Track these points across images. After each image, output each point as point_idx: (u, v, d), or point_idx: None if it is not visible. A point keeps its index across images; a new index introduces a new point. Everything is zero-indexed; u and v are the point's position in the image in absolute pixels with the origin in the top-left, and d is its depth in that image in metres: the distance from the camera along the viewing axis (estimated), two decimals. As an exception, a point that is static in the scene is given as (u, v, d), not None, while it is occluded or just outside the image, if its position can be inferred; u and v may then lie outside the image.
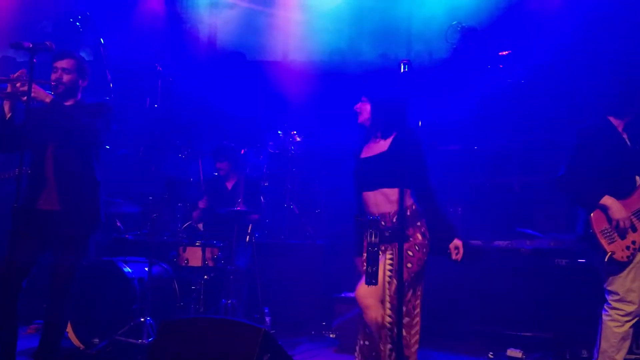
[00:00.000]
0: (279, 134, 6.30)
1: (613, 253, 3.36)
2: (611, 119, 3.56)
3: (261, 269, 5.00)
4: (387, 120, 3.20)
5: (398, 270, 2.75)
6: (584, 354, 4.11)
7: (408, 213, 3.13)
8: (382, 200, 3.15)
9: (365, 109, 3.26)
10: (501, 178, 6.07)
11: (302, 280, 5.51)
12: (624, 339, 3.40)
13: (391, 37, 6.64)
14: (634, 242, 3.38)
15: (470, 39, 6.03)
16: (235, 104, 6.42)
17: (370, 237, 3.09)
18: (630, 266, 3.38)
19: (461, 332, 4.96)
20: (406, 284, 3.04)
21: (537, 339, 4.62)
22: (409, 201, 3.14)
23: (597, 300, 4.05)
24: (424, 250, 3.12)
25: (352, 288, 5.14)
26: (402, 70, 3.00)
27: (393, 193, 3.10)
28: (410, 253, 3.09)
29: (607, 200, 3.38)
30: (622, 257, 3.35)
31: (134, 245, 5.29)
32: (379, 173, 3.15)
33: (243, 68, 6.91)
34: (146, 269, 4.49)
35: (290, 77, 6.69)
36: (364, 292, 3.07)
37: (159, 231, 4.95)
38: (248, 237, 4.94)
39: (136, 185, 5.79)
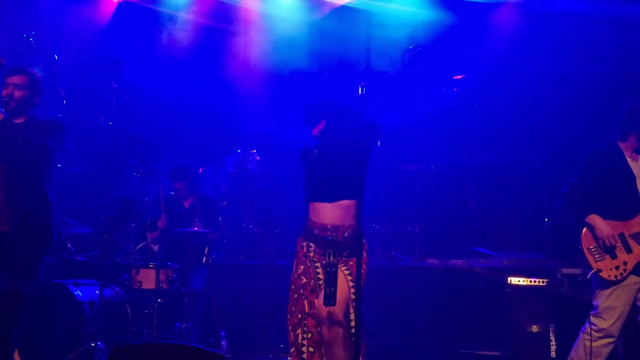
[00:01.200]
0: (238, 152, 6.26)
1: (599, 270, 3.47)
2: (620, 143, 3.66)
3: (218, 291, 4.90)
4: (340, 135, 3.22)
5: (357, 284, 2.76)
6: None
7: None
8: (339, 213, 3.16)
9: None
10: (457, 197, 6.20)
11: (260, 302, 5.43)
12: (593, 355, 3.47)
13: (351, 58, 6.73)
14: (625, 263, 3.45)
15: (426, 62, 6.18)
16: (194, 120, 6.35)
17: (329, 257, 3.10)
18: (615, 286, 3.47)
19: (415, 350, 4.98)
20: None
21: (491, 358, 4.68)
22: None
23: (550, 319, 4.17)
24: (366, 268, 3.22)
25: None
26: (360, 92, 3.07)
27: (351, 205, 3.12)
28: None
29: (591, 218, 3.50)
30: (609, 276, 3.45)
31: (85, 267, 5.11)
32: (339, 184, 3.17)
33: (202, 83, 6.85)
34: (97, 292, 4.34)
35: (250, 94, 6.68)
36: (334, 309, 3.05)
37: (111, 252, 4.80)
38: (205, 258, 4.85)
39: (88, 205, 5.62)
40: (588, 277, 3.53)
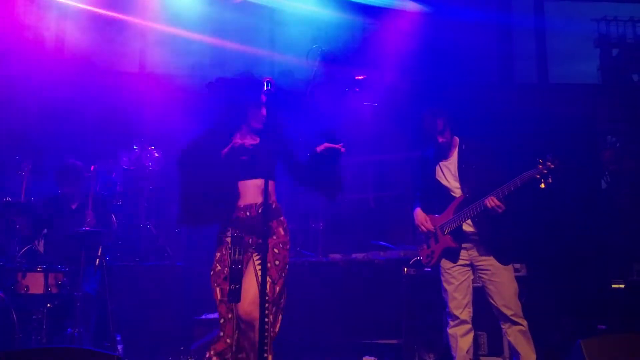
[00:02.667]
0: (135, 148, 5.97)
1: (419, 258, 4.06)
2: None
3: (113, 294, 4.66)
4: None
5: (263, 269, 2.74)
6: (430, 357, 4.40)
7: (273, 207, 3.21)
8: (254, 191, 3.16)
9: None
10: (358, 194, 6.37)
11: (159, 304, 5.24)
12: (452, 337, 3.79)
13: (254, 55, 6.68)
14: (433, 252, 3.89)
15: (329, 63, 6.28)
16: (86, 115, 5.97)
17: (234, 254, 3.05)
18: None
19: (319, 343, 5.06)
20: (276, 282, 3.11)
21: (391, 346, 4.87)
22: (273, 195, 3.22)
23: (444, 307, 4.40)
24: (287, 247, 3.23)
25: (213, 309, 5.05)
26: (265, 88, 3.05)
27: (262, 184, 3.10)
28: (276, 251, 3.18)
29: (415, 212, 4.01)
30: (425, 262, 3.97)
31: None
32: (255, 163, 3.17)
33: (94, 77, 6.46)
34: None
35: (147, 89, 6.40)
36: (253, 307, 3.01)
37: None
38: (98, 260, 4.58)
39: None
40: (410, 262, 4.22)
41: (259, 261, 3.10)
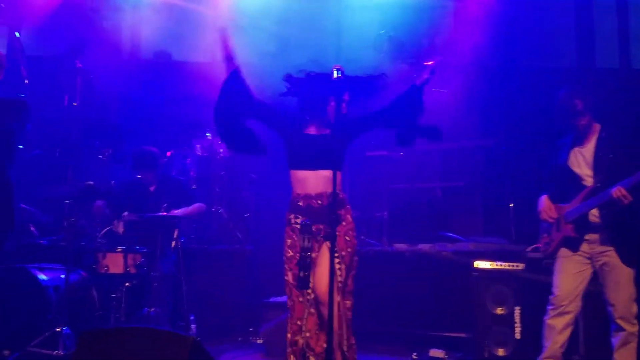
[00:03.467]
0: (207, 136, 6.16)
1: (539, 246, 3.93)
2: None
3: (187, 275, 4.86)
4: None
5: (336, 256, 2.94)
6: (500, 352, 4.30)
7: (340, 196, 3.29)
8: (324, 181, 3.23)
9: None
10: (424, 183, 6.27)
11: (229, 286, 5.42)
12: (550, 328, 3.66)
13: (320, 43, 6.68)
14: (552, 240, 3.75)
15: (397, 48, 6.19)
16: (161, 104, 6.21)
17: (304, 241, 3.10)
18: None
19: (385, 333, 5.06)
20: (350, 267, 3.24)
21: (459, 339, 4.80)
22: (339, 186, 3.28)
23: (514, 302, 4.29)
24: (355, 234, 3.34)
25: (280, 293, 5.16)
26: (335, 76, 3.07)
27: (331, 175, 3.15)
28: (347, 238, 3.27)
29: (540, 199, 3.85)
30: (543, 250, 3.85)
31: (49, 251, 4.98)
32: (325, 152, 3.24)
33: (169, 68, 6.70)
34: (62, 276, 4.24)
35: (218, 79, 6.54)
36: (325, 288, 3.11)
37: (75, 236, 4.69)
38: (174, 242, 4.78)
39: (51, 188, 5.45)
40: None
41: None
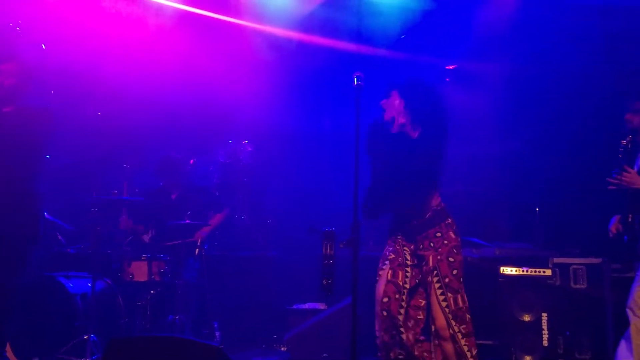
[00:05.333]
0: (230, 142, 6.20)
1: None
2: None
3: (210, 283, 4.88)
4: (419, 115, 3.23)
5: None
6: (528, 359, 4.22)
7: (439, 209, 3.15)
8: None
9: (392, 105, 3.24)
10: (448, 188, 6.17)
11: (253, 293, 5.42)
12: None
13: (341, 48, 6.65)
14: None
15: (418, 53, 6.14)
16: (185, 111, 6.26)
17: (326, 249, 3.07)
18: None
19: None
20: (459, 291, 3.05)
21: (485, 347, 4.70)
22: (435, 200, 3.16)
23: (542, 308, 4.20)
24: (460, 250, 3.13)
25: (304, 300, 5.15)
26: (355, 83, 3.03)
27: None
28: (451, 259, 3.07)
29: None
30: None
31: (75, 259, 5.05)
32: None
33: (192, 76, 6.74)
34: (89, 284, 4.30)
35: (240, 87, 6.58)
36: (444, 332, 3.06)
37: (101, 245, 4.75)
38: (197, 250, 4.81)
39: (78, 197, 5.53)
40: None
41: (439, 284, 3.04)
